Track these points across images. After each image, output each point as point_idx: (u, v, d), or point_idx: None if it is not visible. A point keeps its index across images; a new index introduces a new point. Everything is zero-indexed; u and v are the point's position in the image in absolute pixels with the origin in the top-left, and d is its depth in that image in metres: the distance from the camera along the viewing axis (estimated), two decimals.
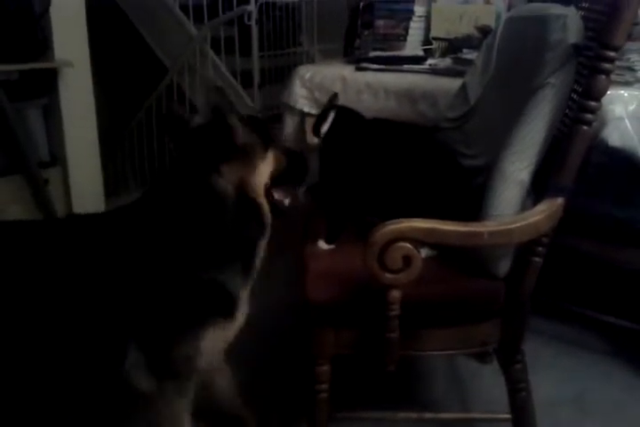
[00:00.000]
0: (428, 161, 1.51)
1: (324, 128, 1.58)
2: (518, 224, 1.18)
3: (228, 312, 1.18)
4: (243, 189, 1.15)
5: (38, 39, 2.29)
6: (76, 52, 2.40)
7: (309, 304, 1.30)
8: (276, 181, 1.25)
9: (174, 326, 1.12)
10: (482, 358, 1.82)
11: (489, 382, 1.70)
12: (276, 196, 1.26)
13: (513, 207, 1.28)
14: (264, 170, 1.20)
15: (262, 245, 1.22)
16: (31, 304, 1.10)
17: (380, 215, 1.20)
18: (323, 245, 1.49)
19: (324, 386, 1.33)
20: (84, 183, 2.53)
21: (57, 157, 2.48)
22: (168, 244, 1.12)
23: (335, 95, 1.69)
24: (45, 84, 2.41)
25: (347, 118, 1.63)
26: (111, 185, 3.28)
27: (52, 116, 2.44)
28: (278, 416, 1.63)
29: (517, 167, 1.29)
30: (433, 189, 1.45)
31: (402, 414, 1.39)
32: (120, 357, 1.12)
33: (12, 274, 1.11)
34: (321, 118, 1.60)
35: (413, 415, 1.39)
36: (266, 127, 1.25)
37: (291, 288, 1.54)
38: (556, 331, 1.99)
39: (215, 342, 1.18)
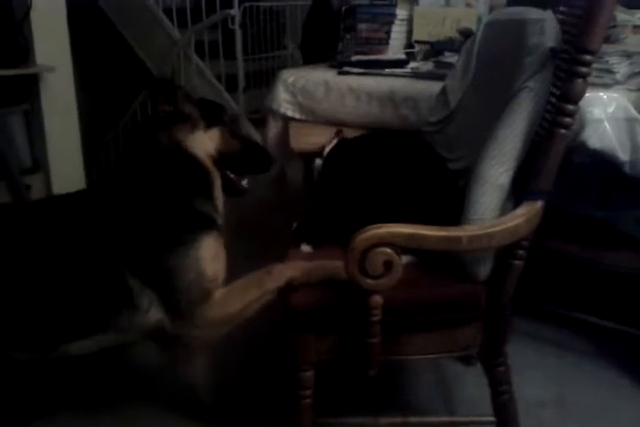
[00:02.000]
0: (416, 166, 1.52)
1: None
2: (498, 228, 1.19)
3: (210, 225, 1.38)
4: (182, 147, 1.38)
5: (19, 45, 2.27)
6: (57, 58, 2.39)
7: (290, 310, 1.30)
8: (232, 165, 1.48)
9: (172, 239, 1.31)
10: (466, 360, 1.83)
11: (473, 384, 1.71)
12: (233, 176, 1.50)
13: (493, 211, 1.29)
14: (203, 140, 1.41)
15: (216, 190, 1.44)
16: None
17: (369, 220, 1.19)
18: (305, 248, 1.49)
19: (308, 392, 1.33)
20: (67, 189, 2.49)
21: (39, 164, 2.46)
22: (145, 187, 1.36)
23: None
24: (27, 90, 2.39)
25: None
26: None
27: (34, 122, 2.42)
28: (261, 422, 1.63)
29: (497, 171, 1.30)
30: (422, 192, 1.45)
31: (385, 419, 1.39)
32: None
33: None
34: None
35: (397, 420, 1.39)
36: (219, 110, 1.49)
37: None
38: (539, 332, 2.00)
39: (211, 250, 1.33)
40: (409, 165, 1.51)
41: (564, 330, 2.02)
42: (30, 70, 2.30)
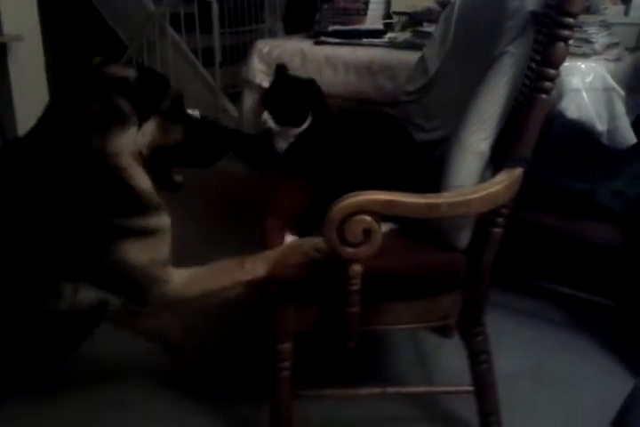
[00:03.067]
0: (383, 139, 1.51)
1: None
2: (477, 195, 1.17)
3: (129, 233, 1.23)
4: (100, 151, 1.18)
5: None
6: (26, 27, 2.31)
7: (269, 280, 1.28)
8: (173, 157, 1.29)
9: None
10: (443, 332, 1.83)
11: (450, 355, 1.71)
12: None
13: (472, 179, 1.27)
14: (131, 140, 1.20)
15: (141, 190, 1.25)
16: None
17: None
18: (290, 238, 1.41)
19: (286, 364, 1.31)
20: None
21: (6, 138, 2.39)
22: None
23: (282, 66, 1.64)
24: None
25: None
26: None
27: (2, 91, 2.34)
28: (240, 394, 1.62)
29: (477, 138, 1.28)
30: (389, 166, 1.43)
31: (364, 390, 1.39)
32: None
33: None
34: (271, 91, 1.58)
35: (376, 391, 1.38)
36: (158, 93, 1.25)
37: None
38: (514, 303, 2.01)
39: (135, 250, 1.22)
40: (378, 143, 1.50)
41: (539, 301, 2.03)
42: None
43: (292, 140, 1.54)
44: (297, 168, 1.54)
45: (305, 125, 1.53)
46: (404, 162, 1.47)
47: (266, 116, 1.53)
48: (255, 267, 1.28)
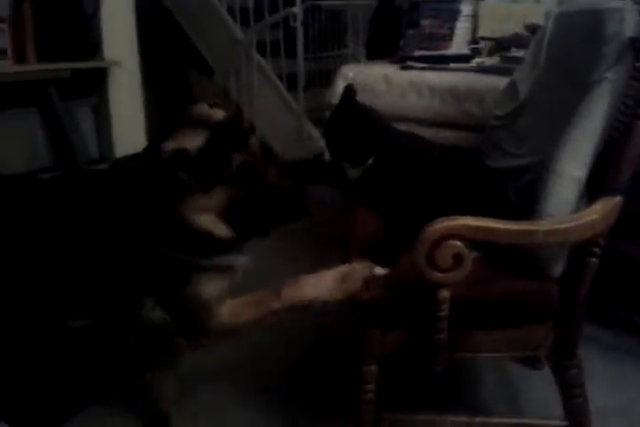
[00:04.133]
0: (454, 170, 1.45)
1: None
2: (574, 223, 1.15)
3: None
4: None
5: (89, 39, 2.34)
6: (125, 53, 2.44)
7: (355, 303, 1.28)
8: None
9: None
10: (532, 363, 1.77)
11: (539, 387, 1.66)
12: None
13: (568, 206, 1.24)
14: (198, 204, 1.22)
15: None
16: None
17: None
18: (379, 270, 1.33)
19: (371, 386, 1.30)
20: None
21: (105, 155, 2.52)
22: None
23: (351, 87, 1.38)
24: (95, 84, 2.45)
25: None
26: None
27: (101, 114, 2.48)
28: (324, 416, 1.62)
29: (572, 165, 1.25)
30: (469, 197, 1.39)
31: (451, 418, 1.35)
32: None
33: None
34: (333, 121, 1.39)
35: (464, 419, 1.35)
36: (221, 166, 1.21)
37: None
38: (609, 339, 1.92)
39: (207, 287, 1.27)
40: (450, 173, 1.44)
41: (634, 337, 1.94)
42: (99, 64, 2.35)
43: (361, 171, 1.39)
44: (368, 199, 1.48)
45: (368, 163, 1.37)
46: (479, 192, 1.43)
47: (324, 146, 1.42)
48: (293, 294, 1.28)
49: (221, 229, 1.26)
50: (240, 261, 1.32)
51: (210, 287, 1.28)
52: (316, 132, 3.50)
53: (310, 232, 2.50)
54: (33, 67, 2.17)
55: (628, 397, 1.70)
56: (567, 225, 1.14)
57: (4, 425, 1.42)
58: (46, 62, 2.19)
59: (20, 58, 2.16)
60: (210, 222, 1.24)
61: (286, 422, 1.61)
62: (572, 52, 1.48)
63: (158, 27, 3.69)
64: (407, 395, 1.62)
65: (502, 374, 1.80)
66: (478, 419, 1.35)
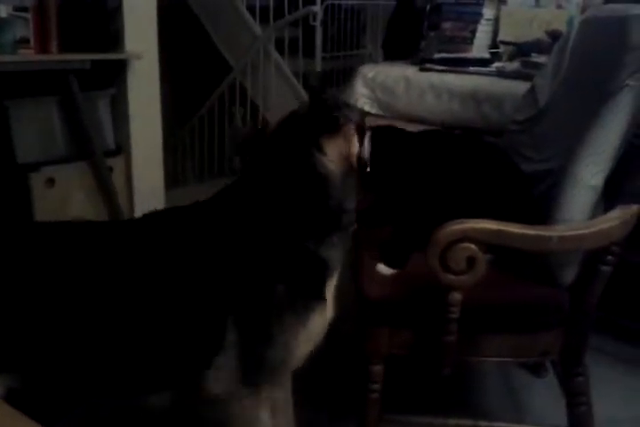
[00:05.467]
0: (484, 169, 1.45)
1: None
2: (590, 230, 1.14)
3: (320, 294, 1.14)
4: (344, 164, 1.13)
5: (111, 31, 2.35)
6: (145, 45, 2.45)
7: (365, 301, 1.28)
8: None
9: (272, 308, 1.09)
10: (536, 370, 1.77)
11: (542, 394, 1.66)
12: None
13: (584, 213, 1.24)
14: (355, 142, 1.16)
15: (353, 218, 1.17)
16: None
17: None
18: (383, 269, 1.36)
19: (376, 386, 1.30)
20: (146, 173, 2.57)
21: (121, 147, 2.53)
22: (272, 223, 1.10)
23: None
24: (115, 75, 2.46)
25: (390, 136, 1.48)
26: (171, 176, 3.36)
27: (119, 106, 2.49)
28: (328, 413, 1.61)
29: (590, 171, 1.25)
30: (492, 197, 1.39)
31: (454, 421, 1.35)
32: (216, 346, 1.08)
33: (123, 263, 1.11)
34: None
35: (467, 423, 1.35)
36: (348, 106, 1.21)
37: (346, 284, 1.52)
38: (620, 350, 1.91)
39: (312, 331, 1.13)
40: (480, 169, 1.44)
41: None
42: (120, 56, 2.36)
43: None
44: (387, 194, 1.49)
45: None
46: (506, 193, 1.43)
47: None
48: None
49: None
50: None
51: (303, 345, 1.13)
52: None
53: None
54: (55, 57, 2.18)
55: (634, 407, 1.68)
56: (582, 232, 1.14)
57: None
58: (68, 53, 2.20)
59: (43, 47, 2.17)
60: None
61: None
62: (595, 58, 1.47)
63: (178, 21, 3.70)
64: (411, 396, 1.61)
65: (506, 380, 1.80)
66: (482, 423, 1.35)
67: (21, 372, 1.09)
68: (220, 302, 1.08)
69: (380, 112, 2.32)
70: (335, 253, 1.14)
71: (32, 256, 1.09)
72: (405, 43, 2.76)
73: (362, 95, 2.37)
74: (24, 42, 2.17)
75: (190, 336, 1.09)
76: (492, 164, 1.50)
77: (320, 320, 1.13)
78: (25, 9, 2.17)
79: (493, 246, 1.17)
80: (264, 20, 3.71)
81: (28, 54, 2.17)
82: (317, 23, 3.55)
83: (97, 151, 2.39)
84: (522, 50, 2.34)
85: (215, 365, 1.09)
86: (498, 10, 2.53)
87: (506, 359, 1.32)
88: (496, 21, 2.53)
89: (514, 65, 2.23)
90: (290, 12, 3.69)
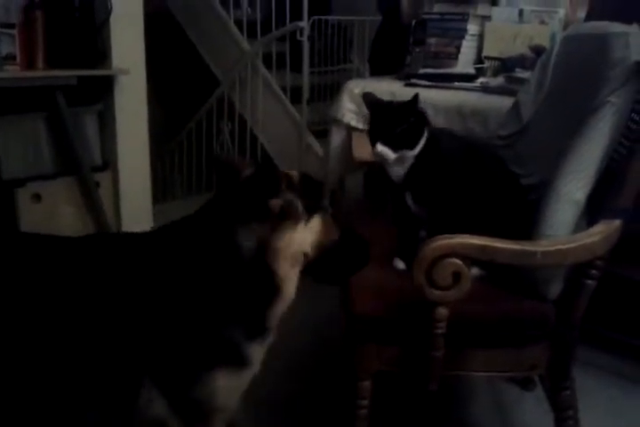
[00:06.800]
0: (491, 176, 1.45)
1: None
2: (573, 245, 1.15)
3: (240, 363, 1.10)
4: (264, 252, 1.06)
5: (97, 47, 2.36)
6: (132, 61, 2.46)
7: (353, 318, 1.28)
8: (327, 261, 1.13)
9: (189, 367, 1.07)
10: (524, 384, 1.77)
11: (531, 409, 1.66)
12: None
13: (567, 228, 1.25)
14: (301, 238, 1.08)
15: (277, 311, 1.11)
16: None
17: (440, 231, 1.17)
18: (400, 264, 1.42)
19: (365, 402, 1.30)
20: (134, 188, 2.58)
21: (108, 162, 2.53)
22: (184, 290, 1.06)
23: (369, 94, 1.63)
24: (102, 91, 2.47)
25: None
26: (159, 191, 3.35)
27: (107, 121, 2.49)
28: None
29: (573, 187, 1.26)
30: (495, 204, 1.40)
31: None
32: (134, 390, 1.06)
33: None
34: (377, 120, 1.53)
35: None
36: (319, 189, 1.16)
37: (334, 301, 1.53)
38: (600, 361, 1.91)
39: (228, 388, 1.10)
40: (486, 176, 1.44)
41: (627, 360, 1.93)
42: (107, 72, 2.37)
43: (410, 163, 1.43)
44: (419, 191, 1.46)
45: (420, 147, 1.42)
46: (509, 202, 1.42)
47: (380, 147, 1.44)
48: None
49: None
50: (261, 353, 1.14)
51: (231, 390, 1.10)
52: (316, 144, 3.52)
53: None
54: (41, 73, 2.19)
55: (621, 420, 1.69)
56: (565, 247, 1.14)
57: None
58: (55, 69, 2.21)
59: (30, 64, 2.18)
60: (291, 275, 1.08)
61: None
62: (578, 75, 1.49)
63: (165, 36, 3.72)
64: (401, 412, 1.61)
65: (494, 394, 1.80)
66: None
67: None
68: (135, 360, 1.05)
69: (367, 127, 2.32)
70: (247, 338, 1.09)
71: None
72: (391, 58, 2.78)
73: (348, 110, 2.38)
74: (10, 58, 2.17)
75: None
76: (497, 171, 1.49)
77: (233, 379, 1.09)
78: (11, 25, 2.17)
79: (480, 261, 1.18)
80: (252, 35, 3.74)
81: (14, 71, 2.17)
82: (304, 38, 3.57)
83: (84, 167, 2.39)
84: (506, 65, 2.36)
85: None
86: (482, 26, 2.57)
87: (492, 374, 1.33)
88: (480, 37, 2.56)
89: (498, 80, 2.25)
90: (277, 28, 3.72)
